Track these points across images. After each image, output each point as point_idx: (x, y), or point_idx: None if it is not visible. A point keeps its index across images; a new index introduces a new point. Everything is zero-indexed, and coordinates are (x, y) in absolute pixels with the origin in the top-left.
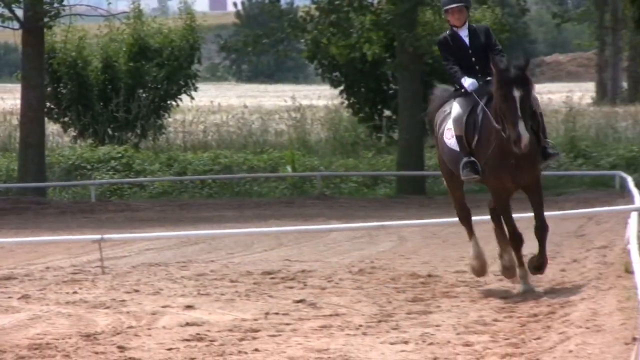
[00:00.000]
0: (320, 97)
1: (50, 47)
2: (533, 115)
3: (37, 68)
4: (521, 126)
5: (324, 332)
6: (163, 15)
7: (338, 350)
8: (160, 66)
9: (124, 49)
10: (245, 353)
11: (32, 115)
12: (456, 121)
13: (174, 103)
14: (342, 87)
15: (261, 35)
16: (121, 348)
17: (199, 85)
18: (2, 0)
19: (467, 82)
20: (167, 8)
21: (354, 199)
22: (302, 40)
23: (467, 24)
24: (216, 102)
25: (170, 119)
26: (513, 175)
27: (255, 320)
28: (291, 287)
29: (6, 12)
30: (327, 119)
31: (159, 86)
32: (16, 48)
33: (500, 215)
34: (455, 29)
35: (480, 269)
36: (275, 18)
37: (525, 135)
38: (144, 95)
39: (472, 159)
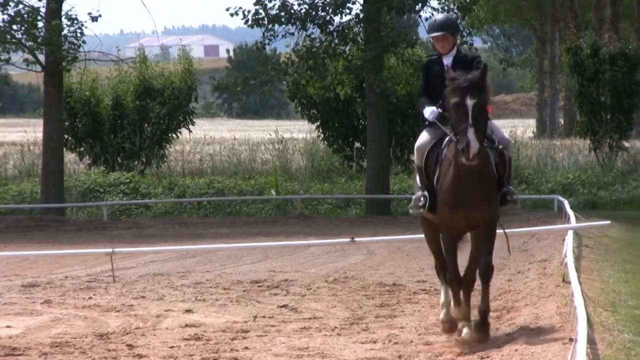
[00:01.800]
0: (299, 131)
1: (68, 87)
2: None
3: (57, 105)
4: (471, 133)
5: (304, 333)
6: (164, 60)
7: (316, 348)
8: (162, 104)
9: (131, 89)
10: (237, 350)
11: (52, 146)
12: (418, 150)
13: (174, 136)
14: (318, 123)
15: (249, 77)
16: (130, 346)
17: (196, 120)
18: (27, 47)
19: (427, 111)
20: (168, 54)
21: (329, 218)
22: (284, 82)
23: (454, 50)
24: (210, 135)
25: (171, 149)
26: (466, 211)
27: (245, 322)
28: (276, 294)
29: (30, 57)
30: (306, 150)
31: (161, 121)
32: (38, 88)
33: (445, 255)
34: (441, 55)
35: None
36: (261, 63)
37: (474, 144)
38: (148, 129)
39: (426, 193)
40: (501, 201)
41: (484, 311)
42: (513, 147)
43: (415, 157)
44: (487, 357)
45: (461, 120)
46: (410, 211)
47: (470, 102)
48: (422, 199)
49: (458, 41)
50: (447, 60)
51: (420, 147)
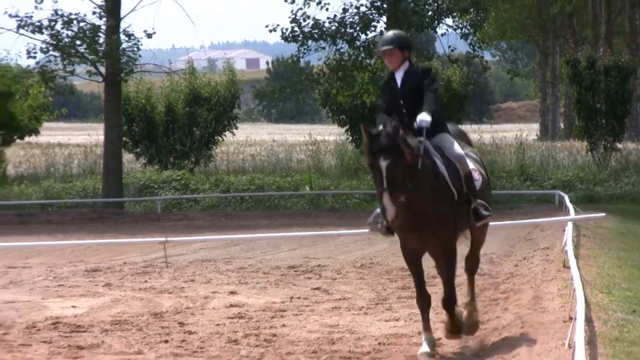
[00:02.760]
0: (330, 134)
1: (126, 95)
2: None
3: (116, 112)
4: (386, 199)
5: (334, 312)
6: (211, 72)
7: (346, 325)
8: (209, 110)
9: (182, 97)
10: (275, 327)
11: (112, 147)
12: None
13: (219, 138)
14: (347, 127)
15: (285, 86)
16: (181, 324)
17: (239, 124)
18: (89, 60)
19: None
20: (214, 66)
21: (357, 211)
22: (317, 91)
23: (405, 65)
24: (251, 137)
25: (217, 150)
26: (417, 235)
27: (283, 302)
28: (309, 278)
29: (92, 69)
30: (336, 151)
31: (208, 125)
32: (100, 96)
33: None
34: (394, 71)
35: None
36: (296, 74)
37: (390, 209)
38: (197, 132)
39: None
40: (475, 217)
41: (455, 325)
42: (517, 148)
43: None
44: (499, 333)
45: (377, 183)
46: (369, 229)
47: (384, 164)
48: (379, 219)
49: (413, 58)
50: (398, 76)
51: None
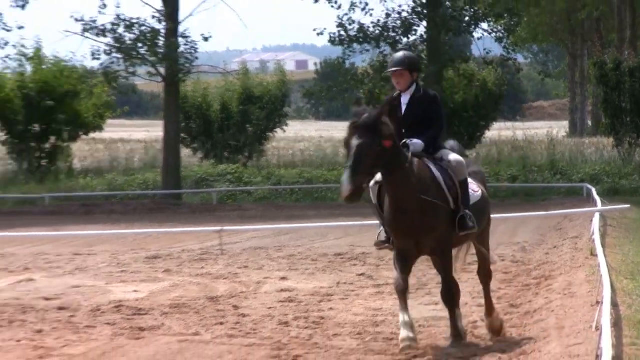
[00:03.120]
0: None
1: (184, 95)
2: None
3: (174, 110)
4: (345, 175)
5: (378, 297)
6: (263, 73)
7: (388, 309)
8: (262, 109)
9: (236, 96)
10: (323, 311)
11: (171, 143)
12: (372, 189)
13: (271, 134)
14: None
15: (332, 86)
16: (235, 307)
17: (289, 122)
18: (149, 61)
19: None
20: (266, 68)
21: None
22: (361, 91)
23: (413, 87)
24: (301, 134)
25: (268, 146)
26: (410, 232)
27: (330, 287)
28: (355, 265)
29: (152, 70)
30: None
31: (261, 123)
32: (159, 95)
33: (395, 262)
34: (401, 92)
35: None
36: (342, 74)
37: (345, 187)
38: (250, 129)
39: (387, 228)
40: (460, 227)
41: (456, 334)
42: (548, 144)
43: (371, 196)
44: (531, 317)
45: (346, 159)
46: (377, 248)
47: (354, 143)
48: (384, 234)
49: (421, 82)
50: (405, 98)
51: (373, 185)
